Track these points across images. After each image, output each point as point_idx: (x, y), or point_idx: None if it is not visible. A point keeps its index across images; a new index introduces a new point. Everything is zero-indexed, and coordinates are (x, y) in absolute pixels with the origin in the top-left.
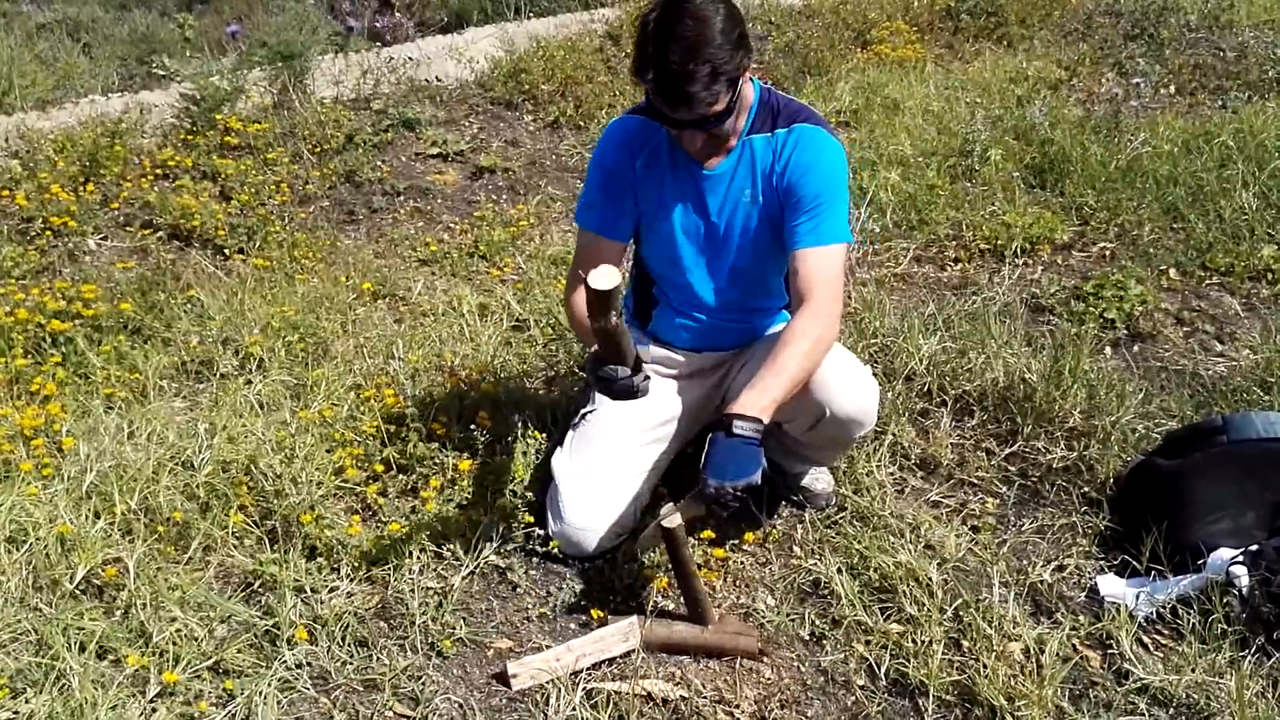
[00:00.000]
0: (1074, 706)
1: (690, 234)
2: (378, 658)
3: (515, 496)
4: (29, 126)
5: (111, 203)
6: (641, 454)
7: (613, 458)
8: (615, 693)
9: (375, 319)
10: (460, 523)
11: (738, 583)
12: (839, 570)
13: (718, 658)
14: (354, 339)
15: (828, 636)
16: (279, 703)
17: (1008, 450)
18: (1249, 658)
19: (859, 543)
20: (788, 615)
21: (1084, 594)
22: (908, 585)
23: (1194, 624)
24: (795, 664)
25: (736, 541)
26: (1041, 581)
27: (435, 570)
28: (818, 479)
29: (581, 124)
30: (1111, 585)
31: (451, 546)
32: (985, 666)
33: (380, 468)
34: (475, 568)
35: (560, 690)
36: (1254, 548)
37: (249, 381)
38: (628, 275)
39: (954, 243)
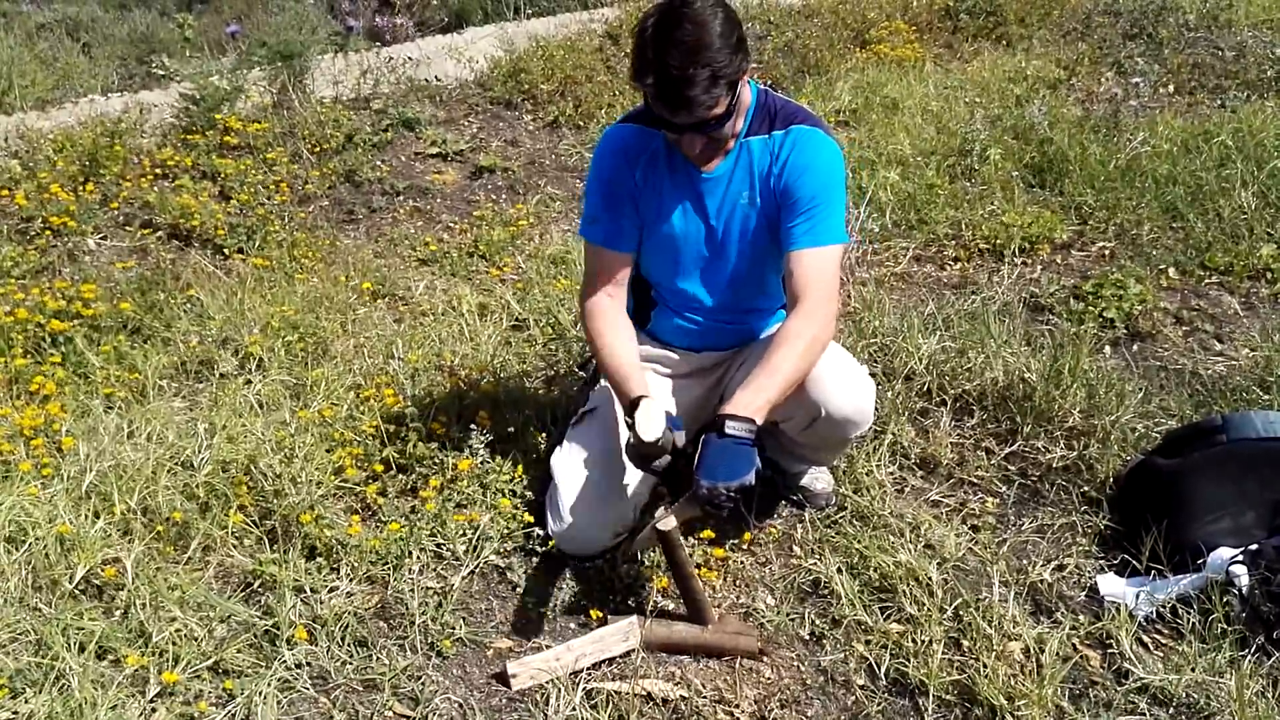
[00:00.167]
0: (1074, 706)
1: (689, 237)
2: (377, 658)
3: (515, 496)
4: (29, 126)
5: (111, 202)
6: None
7: (612, 458)
8: (615, 693)
9: (375, 319)
10: (460, 523)
11: (737, 582)
12: (839, 570)
13: (718, 657)
14: (353, 339)
15: (828, 636)
16: (279, 703)
17: (1007, 450)
18: (1249, 657)
19: (859, 542)
20: (788, 615)
21: (1084, 593)
22: (908, 585)
23: (1194, 623)
24: (795, 664)
25: (736, 541)
26: (1041, 581)
27: (435, 570)
28: (817, 478)
29: (581, 124)
30: (1111, 585)
31: (451, 546)
32: (985, 666)
33: (380, 467)
34: (475, 568)
35: (560, 690)
36: (1254, 547)
37: (248, 381)
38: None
39: (953, 242)
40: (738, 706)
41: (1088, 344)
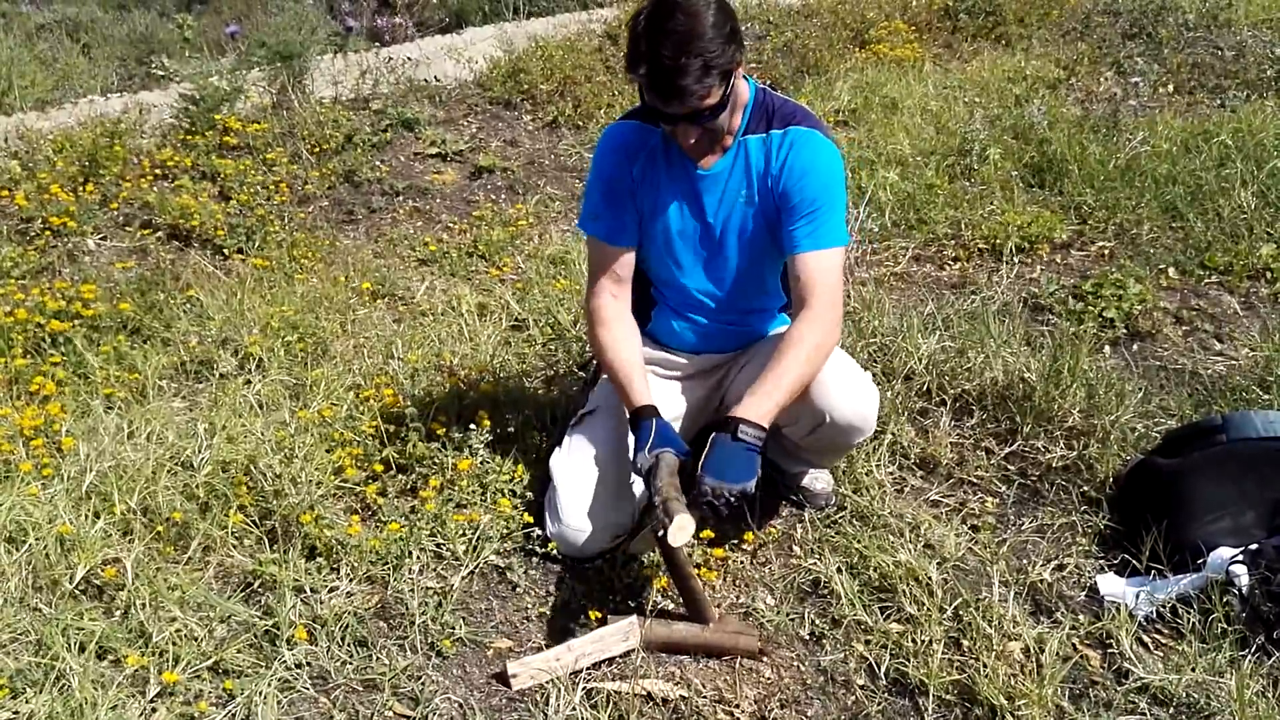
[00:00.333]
0: (1074, 706)
1: (686, 234)
2: (377, 658)
3: (515, 496)
4: (28, 127)
5: (111, 203)
6: None
7: (611, 459)
8: (615, 692)
9: (374, 319)
10: (460, 523)
11: (737, 582)
12: (839, 570)
13: (718, 657)
14: (353, 339)
15: (827, 636)
16: (279, 703)
17: (1007, 449)
18: (1249, 657)
19: (859, 542)
20: (788, 615)
21: (1084, 593)
22: (907, 585)
23: (1194, 623)
24: (795, 663)
25: (736, 541)
26: (1041, 581)
27: (435, 570)
28: (817, 479)
29: (580, 124)
30: (1111, 584)
31: (451, 547)
32: (985, 666)
33: (380, 467)
34: (475, 568)
35: (560, 690)
36: (1254, 546)
37: (248, 381)
38: None
39: (953, 242)
40: (738, 706)
41: (1087, 344)
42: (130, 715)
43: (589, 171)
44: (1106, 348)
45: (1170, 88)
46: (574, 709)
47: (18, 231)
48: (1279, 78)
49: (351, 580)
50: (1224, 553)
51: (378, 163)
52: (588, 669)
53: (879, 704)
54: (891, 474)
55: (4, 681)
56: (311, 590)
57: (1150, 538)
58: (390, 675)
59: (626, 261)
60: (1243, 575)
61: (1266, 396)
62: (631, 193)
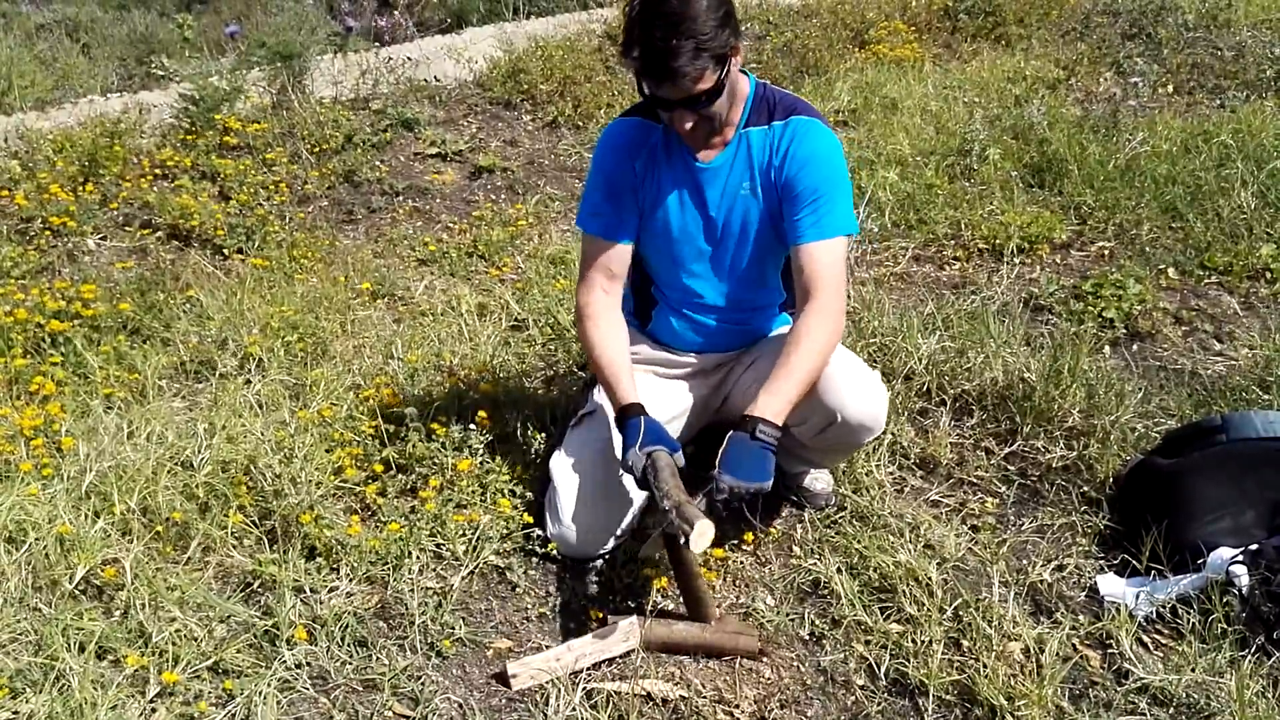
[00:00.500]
0: (1074, 706)
1: (688, 229)
2: (377, 658)
3: (515, 497)
4: (28, 127)
5: (111, 203)
6: None
7: (611, 460)
8: (615, 693)
9: (374, 319)
10: (460, 523)
11: (738, 583)
12: (839, 570)
13: (718, 657)
14: (353, 339)
15: (828, 636)
16: (278, 703)
17: (1007, 450)
18: (1249, 657)
19: (859, 542)
20: (788, 615)
21: (1084, 593)
22: (907, 585)
23: (1194, 623)
24: (795, 664)
25: (736, 541)
26: (1041, 581)
27: (435, 570)
28: (817, 479)
29: (580, 124)
30: (1111, 585)
31: (451, 547)
32: (985, 666)
33: (379, 468)
34: (475, 568)
35: (560, 690)
36: (1254, 547)
37: (248, 381)
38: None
39: (953, 242)
40: (738, 706)
41: (1087, 344)
42: (130, 715)
43: (589, 169)
44: (1106, 348)
45: (1170, 88)
46: (574, 709)
47: (18, 231)
48: (1279, 78)
49: (351, 580)
50: (1224, 553)
51: (378, 163)
52: (588, 669)
53: (879, 704)
54: (891, 474)
55: (4, 681)
56: (311, 590)
57: (1150, 538)
58: (390, 675)
59: (622, 257)
60: (1243, 575)
61: (1266, 396)
62: (633, 189)
